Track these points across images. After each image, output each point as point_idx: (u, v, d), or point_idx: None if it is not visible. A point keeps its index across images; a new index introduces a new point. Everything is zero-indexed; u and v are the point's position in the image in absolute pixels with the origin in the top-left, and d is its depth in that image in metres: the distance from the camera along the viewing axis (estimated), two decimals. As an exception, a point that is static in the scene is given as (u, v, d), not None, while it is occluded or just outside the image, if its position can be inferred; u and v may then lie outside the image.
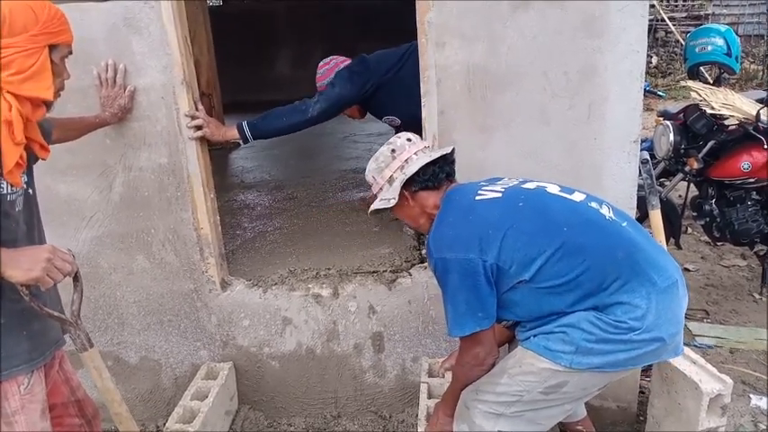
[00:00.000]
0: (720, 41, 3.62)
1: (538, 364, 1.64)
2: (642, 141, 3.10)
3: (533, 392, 1.67)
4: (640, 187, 2.36)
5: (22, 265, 1.37)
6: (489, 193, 1.71)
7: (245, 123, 2.51)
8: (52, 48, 1.45)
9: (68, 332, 1.59)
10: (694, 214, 3.61)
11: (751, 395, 2.64)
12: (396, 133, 3.05)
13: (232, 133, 2.46)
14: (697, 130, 3.37)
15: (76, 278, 1.57)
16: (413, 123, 2.87)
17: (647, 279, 1.59)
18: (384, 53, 2.83)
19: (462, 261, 1.61)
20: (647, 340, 1.58)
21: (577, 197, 1.73)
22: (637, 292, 1.58)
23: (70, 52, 1.54)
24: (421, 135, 3.35)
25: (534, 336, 1.67)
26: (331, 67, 2.85)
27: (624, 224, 1.69)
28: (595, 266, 1.58)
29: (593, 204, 1.71)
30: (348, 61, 2.83)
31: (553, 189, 1.75)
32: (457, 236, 1.64)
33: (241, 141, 2.52)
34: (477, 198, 1.70)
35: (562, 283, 1.59)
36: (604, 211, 1.71)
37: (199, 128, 2.29)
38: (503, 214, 1.65)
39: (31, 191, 1.56)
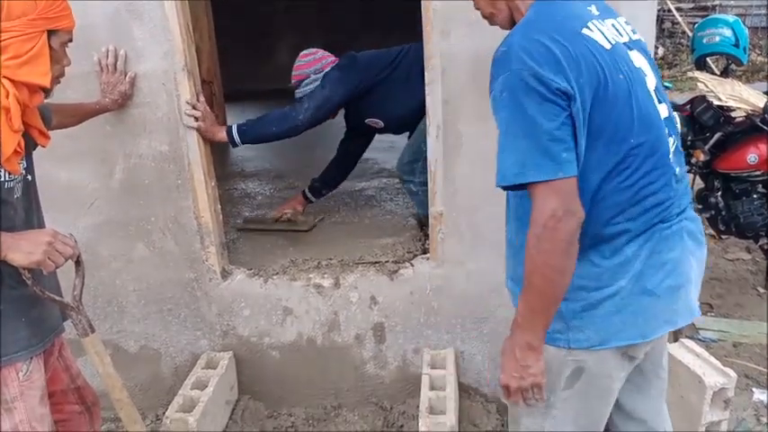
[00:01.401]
0: (728, 32, 3.57)
1: (546, 355, 1.38)
2: (648, 133, 3.08)
3: (557, 392, 1.42)
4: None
5: (24, 249, 1.38)
6: (598, 36, 1.30)
7: (234, 128, 2.48)
8: (51, 33, 1.43)
9: (70, 317, 1.59)
10: (700, 207, 3.57)
11: (754, 389, 2.63)
12: (368, 133, 2.97)
13: (222, 135, 2.43)
14: (704, 122, 3.33)
15: (78, 262, 1.58)
16: (394, 125, 2.85)
17: (653, 226, 1.36)
18: (376, 54, 2.76)
19: (553, 81, 1.20)
20: (634, 293, 1.34)
21: (663, 111, 1.40)
22: (633, 240, 1.35)
23: (70, 39, 1.51)
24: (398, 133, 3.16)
25: None
26: (316, 59, 2.72)
27: (677, 170, 1.41)
28: (619, 203, 1.32)
29: (667, 130, 1.39)
30: (334, 60, 2.73)
31: (651, 83, 1.39)
32: (548, 52, 1.22)
33: (231, 144, 2.50)
34: (585, 32, 1.29)
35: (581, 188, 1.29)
36: (671, 145, 1.40)
37: (195, 119, 2.27)
38: (600, 72, 1.26)
39: (30, 177, 1.55)
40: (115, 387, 1.68)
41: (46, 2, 1.40)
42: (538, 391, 1.36)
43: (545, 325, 1.32)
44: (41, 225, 1.61)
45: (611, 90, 1.27)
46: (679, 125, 3.35)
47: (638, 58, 1.38)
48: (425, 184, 2.60)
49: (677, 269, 1.38)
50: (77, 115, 2.06)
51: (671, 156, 1.39)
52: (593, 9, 1.38)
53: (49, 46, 1.43)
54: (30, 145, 1.53)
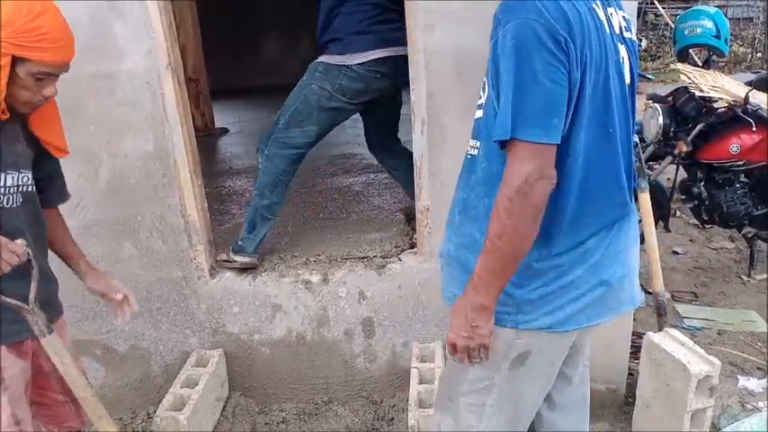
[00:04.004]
0: (710, 24, 3.60)
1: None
2: (631, 124, 3.10)
3: (502, 371, 1.42)
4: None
5: None
6: (603, 16, 1.29)
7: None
8: (19, 60, 1.38)
9: (26, 319, 1.58)
10: (683, 197, 3.62)
11: (739, 376, 2.67)
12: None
13: None
14: (686, 113, 3.37)
15: (30, 265, 1.56)
16: None
17: (611, 219, 1.38)
18: None
19: (565, 41, 1.17)
20: (591, 284, 1.35)
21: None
22: (597, 234, 1.36)
23: (49, 74, 1.46)
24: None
25: None
26: None
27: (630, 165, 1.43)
28: (594, 195, 1.32)
29: (624, 132, 1.38)
30: None
31: (627, 80, 1.38)
32: (562, 14, 1.18)
33: None
34: (594, 7, 1.28)
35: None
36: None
37: None
38: (600, 53, 1.25)
39: (32, 189, 1.56)
40: (77, 386, 1.67)
41: (22, 28, 1.35)
42: (484, 351, 1.37)
43: (501, 287, 1.30)
44: (41, 236, 1.64)
45: (602, 75, 1.25)
46: (661, 118, 3.39)
47: (623, 53, 1.36)
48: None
49: (625, 259, 1.42)
50: (55, 242, 1.83)
51: (630, 151, 1.41)
52: None
53: (15, 72, 1.38)
54: (39, 157, 1.57)
